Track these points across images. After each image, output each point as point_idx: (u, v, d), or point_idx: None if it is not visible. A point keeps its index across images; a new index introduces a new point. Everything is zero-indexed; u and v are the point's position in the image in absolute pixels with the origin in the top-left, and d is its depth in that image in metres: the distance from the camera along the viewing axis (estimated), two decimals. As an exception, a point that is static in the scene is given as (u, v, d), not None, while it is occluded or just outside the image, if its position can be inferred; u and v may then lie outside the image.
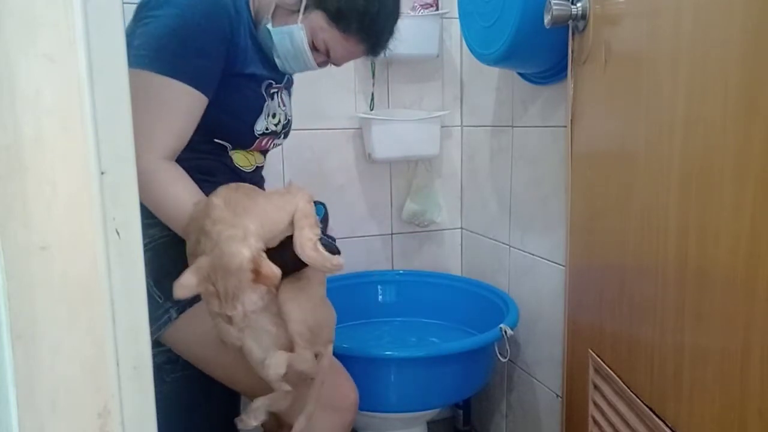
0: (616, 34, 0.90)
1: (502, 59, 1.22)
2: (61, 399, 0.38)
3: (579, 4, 0.98)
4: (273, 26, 1.00)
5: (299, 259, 0.82)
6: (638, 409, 0.84)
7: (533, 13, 1.07)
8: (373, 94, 1.66)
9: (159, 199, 0.88)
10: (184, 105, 0.90)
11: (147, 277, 0.93)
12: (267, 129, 1.08)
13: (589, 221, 1.03)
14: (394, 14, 1.07)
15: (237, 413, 1.33)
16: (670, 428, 0.76)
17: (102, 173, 0.39)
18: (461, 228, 1.86)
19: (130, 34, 0.91)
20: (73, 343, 0.38)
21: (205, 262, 0.74)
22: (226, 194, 0.81)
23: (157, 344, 0.99)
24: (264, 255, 0.77)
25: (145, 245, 0.94)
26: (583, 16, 0.98)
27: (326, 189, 1.66)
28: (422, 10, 1.60)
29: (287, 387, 0.89)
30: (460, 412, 1.77)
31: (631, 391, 0.86)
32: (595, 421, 1.00)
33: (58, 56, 0.36)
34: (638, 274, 0.83)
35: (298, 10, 0.99)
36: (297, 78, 1.61)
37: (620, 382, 0.89)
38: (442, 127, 1.69)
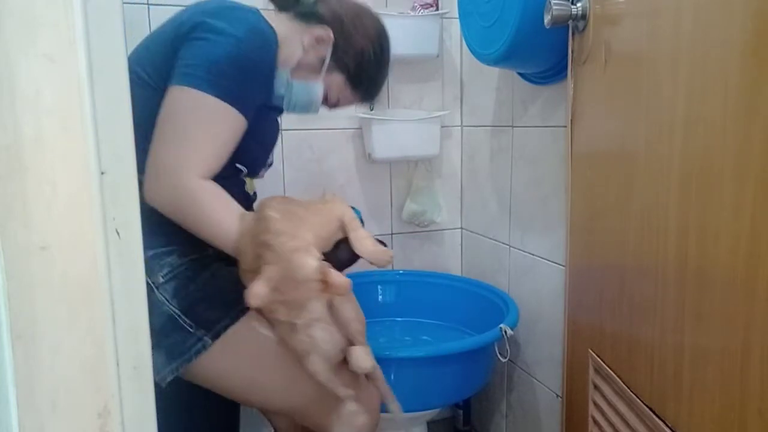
0: (616, 34, 0.90)
1: (502, 59, 1.22)
2: (61, 399, 0.38)
3: (579, 4, 0.98)
4: (292, 78, 1.06)
5: (341, 263, 0.88)
6: (638, 409, 0.84)
7: (533, 13, 1.07)
8: (373, 94, 1.66)
9: (203, 217, 0.87)
10: (231, 129, 0.92)
11: (173, 307, 0.92)
12: (271, 159, 1.14)
13: (589, 221, 1.03)
14: (387, 73, 1.18)
15: (237, 414, 1.33)
16: (670, 428, 0.76)
17: (102, 173, 0.39)
18: (461, 228, 1.86)
19: (168, 47, 0.93)
20: (73, 343, 0.38)
21: (274, 273, 0.77)
22: (279, 206, 0.84)
23: (174, 382, 0.94)
24: (329, 265, 0.80)
25: (165, 275, 0.93)
26: (583, 16, 0.98)
27: (326, 189, 1.66)
28: (422, 10, 1.60)
29: (350, 391, 0.93)
30: (460, 412, 1.77)
31: (631, 391, 0.86)
32: (595, 421, 1.00)
33: (58, 56, 0.36)
34: (638, 274, 0.83)
35: (320, 70, 1.07)
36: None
37: (620, 382, 0.90)
38: (442, 127, 1.69)
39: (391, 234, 1.78)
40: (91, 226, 0.38)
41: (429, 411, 1.42)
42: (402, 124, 1.62)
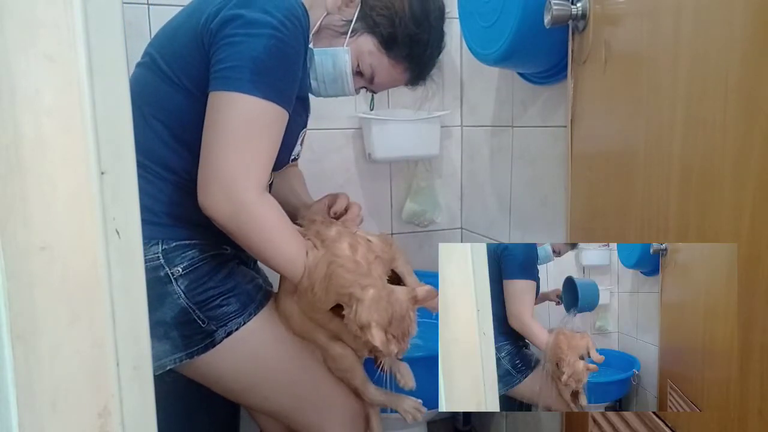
0: (616, 34, 0.90)
1: (502, 59, 1.22)
2: (61, 399, 0.38)
3: (579, 4, 0.98)
4: (315, 47, 0.98)
5: None
6: (638, 409, 0.84)
7: (533, 13, 1.07)
8: (373, 94, 1.66)
9: (266, 242, 0.85)
10: (280, 128, 0.87)
11: (187, 300, 0.91)
12: (297, 154, 1.06)
13: (589, 221, 1.03)
14: (441, 45, 1.07)
15: (237, 413, 1.33)
16: (670, 428, 0.76)
17: (102, 173, 0.39)
18: (461, 228, 1.86)
19: (196, 41, 0.87)
20: (73, 343, 0.38)
21: (382, 318, 0.84)
22: (350, 247, 0.91)
23: (175, 381, 0.94)
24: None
25: (184, 267, 0.92)
26: (583, 16, 0.98)
27: (326, 189, 1.65)
28: (422, 10, 1.60)
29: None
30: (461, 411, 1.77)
31: (631, 391, 0.86)
32: (595, 421, 1.00)
33: (58, 56, 0.36)
34: (638, 274, 0.83)
35: (345, 33, 0.97)
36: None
37: (620, 382, 0.90)
38: (442, 127, 1.69)
39: (391, 234, 1.78)
40: (91, 226, 0.38)
41: (429, 411, 1.42)
42: (402, 124, 1.62)
